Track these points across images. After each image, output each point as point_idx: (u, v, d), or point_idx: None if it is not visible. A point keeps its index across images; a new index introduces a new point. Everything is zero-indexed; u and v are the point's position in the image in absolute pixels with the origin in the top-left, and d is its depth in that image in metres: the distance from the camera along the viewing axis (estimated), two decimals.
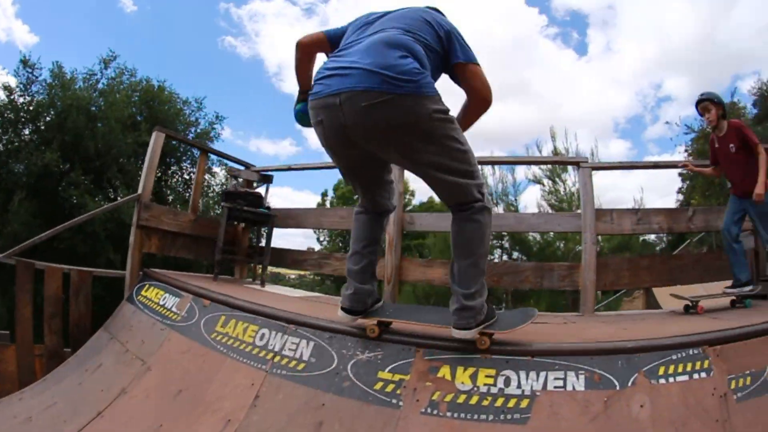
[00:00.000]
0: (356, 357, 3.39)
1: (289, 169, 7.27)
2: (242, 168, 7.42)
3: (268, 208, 6.87)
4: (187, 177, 22.33)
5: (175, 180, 22.37)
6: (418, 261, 6.60)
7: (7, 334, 5.84)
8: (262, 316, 4.05)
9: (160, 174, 20.90)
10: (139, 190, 5.96)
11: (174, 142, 20.34)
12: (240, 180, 7.27)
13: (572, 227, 6.20)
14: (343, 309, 3.44)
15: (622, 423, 2.70)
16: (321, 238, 39.41)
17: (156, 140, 6.17)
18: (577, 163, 5.95)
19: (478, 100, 3.24)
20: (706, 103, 5.48)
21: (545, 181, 16.20)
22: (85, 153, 18.56)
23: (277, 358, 3.66)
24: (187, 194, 21.11)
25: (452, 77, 3.25)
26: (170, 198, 21.58)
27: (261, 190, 7.24)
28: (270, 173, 7.48)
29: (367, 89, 2.72)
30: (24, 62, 19.16)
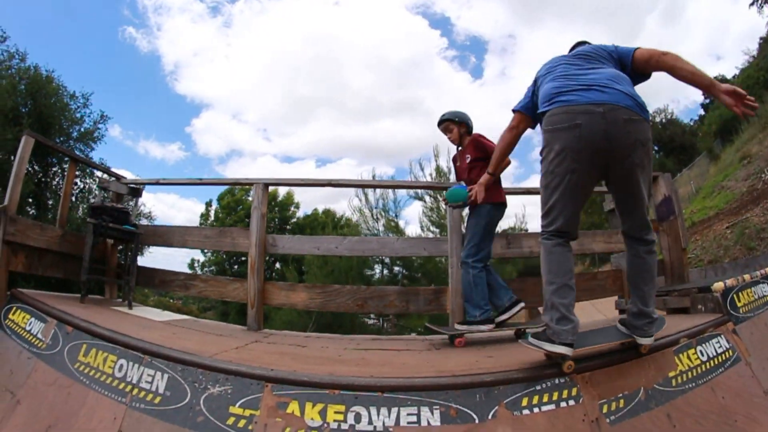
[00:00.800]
0: (208, 391, 3.32)
1: (158, 183, 6.99)
2: (112, 179, 7.12)
3: (135, 225, 6.60)
4: (47, 179, 20.54)
5: (56, 182, 20.28)
6: (280, 284, 6.53)
7: None
8: (120, 345, 3.87)
9: (40, 175, 19.48)
10: (6, 201, 5.45)
11: (58, 140, 19.04)
12: (109, 192, 6.97)
13: (438, 252, 6.31)
14: (567, 344, 3.24)
15: None
16: (205, 250, 38.89)
17: (25, 146, 5.66)
18: (445, 188, 5.88)
19: (671, 56, 3.67)
20: (446, 123, 5.58)
21: (426, 198, 17.07)
22: None
23: (135, 391, 3.52)
24: (49, 200, 19.88)
25: (636, 76, 3.83)
26: (50, 202, 19.86)
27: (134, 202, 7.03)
28: (139, 186, 7.24)
29: (627, 107, 3.27)
30: None
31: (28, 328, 4.61)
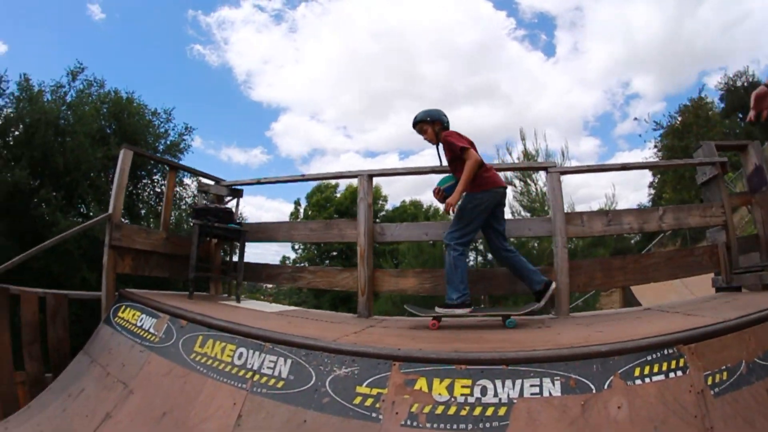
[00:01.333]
0: (333, 373, 3.43)
1: (258, 182, 7.20)
2: (211, 183, 7.38)
3: (240, 223, 6.84)
4: (159, 190, 21.98)
5: (146, 193, 22.03)
6: (390, 271, 6.56)
7: None
8: (239, 335, 4.05)
9: (131, 188, 20.62)
10: (110, 210, 5.88)
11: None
12: (209, 195, 7.24)
13: (543, 231, 6.18)
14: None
15: (601, 425, 2.73)
16: (296, 247, 39.62)
17: (124, 158, 6.06)
18: (545, 168, 5.95)
19: None
20: (420, 124, 5.51)
21: (516, 182, 16.18)
22: (55, 169, 18.09)
23: (257, 377, 3.66)
24: (160, 207, 20.55)
25: None
26: (142, 212, 21.39)
27: (232, 203, 7.21)
28: (240, 187, 7.47)
29: None
30: None
31: (139, 324, 4.89)
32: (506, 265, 5.42)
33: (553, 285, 5.07)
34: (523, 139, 16.35)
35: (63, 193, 18.39)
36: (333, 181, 34.36)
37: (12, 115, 18.60)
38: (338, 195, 40.02)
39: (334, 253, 39.35)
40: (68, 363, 5.20)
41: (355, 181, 6.41)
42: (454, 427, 2.88)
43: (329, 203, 39.47)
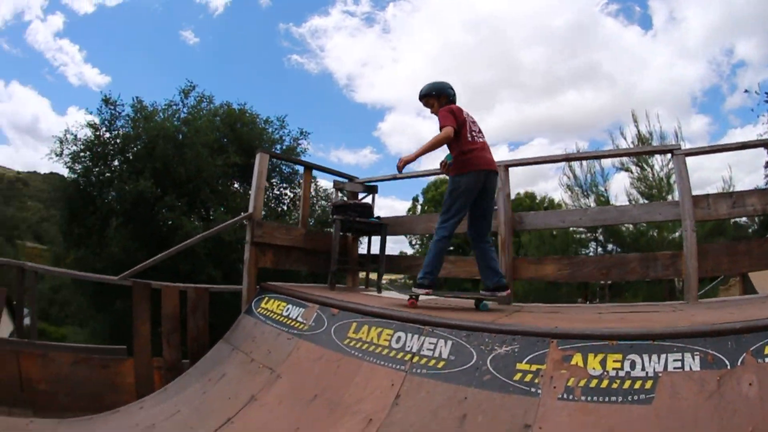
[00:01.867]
0: (495, 351, 3.52)
1: (394, 178, 7.33)
2: (346, 181, 7.58)
3: (378, 217, 7.04)
4: (278, 192, 23.38)
5: (266, 196, 22.78)
6: (529, 259, 6.63)
7: (123, 349, 6.38)
8: (397, 320, 4.20)
9: (251, 192, 21.52)
10: (250, 210, 6.22)
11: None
12: (344, 192, 7.45)
13: (671, 215, 6.05)
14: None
15: (734, 400, 2.74)
16: (413, 242, 40.32)
17: (261, 161, 6.41)
18: (669, 151, 5.90)
19: None
20: (426, 98, 5.46)
21: (633, 168, 15.72)
22: (177, 178, 19.52)
23: (416, 359, 3.79)
24: (279, 209, 22.67)
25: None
26: (263, 213, 22.18)
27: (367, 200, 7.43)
28: (374, 184, 7.65)
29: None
30: (105, 101, 20.53)
31: (285, 314, 5.17)
32: (476, 250, 5.26)
33: (508, 292, 5.08)
34: (635, 121, 15.93)
35: (186, 199, 19.70)
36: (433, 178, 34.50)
37: (130, 133, 20.37)
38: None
39: (451, 248, 39.73)
40: (206, 351, 5.56)
41: None
42: (606, 399, 2.93)
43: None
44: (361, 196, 7.38)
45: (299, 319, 4.96)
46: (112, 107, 20.72)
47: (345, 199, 7.23)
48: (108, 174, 20.32)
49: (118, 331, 18.66)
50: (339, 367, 4.14)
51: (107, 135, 20.75)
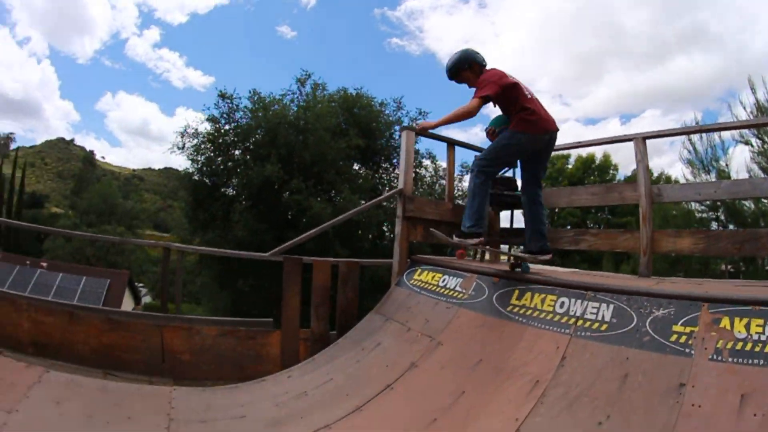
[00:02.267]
0: (653, 314, 3.74)
1: None
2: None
3: None
4: (395, 174, 24.14)
5: (389, 176, 24.53)
6: (668, 232, 6.71)
7: (270, 321, 6.89)
8: (560, 286, 4.43)
9: (372, 173, 23.30)
10: (400, 185, 6.53)
11: (381, 142, 23.04)
12: None
13: None
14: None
15: None
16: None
17: (407, 138, 6.64)
18: None
19: None
20: (459, 74, 5.28)
21: (753, 140, 15.16)
22: (301, 162, 20.67)
23: (580, 322, 4.02)
24: (385, 189, 23.26)
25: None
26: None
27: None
28: None
29: None
30: (222, 95, 22.49)
31: (442, 284, 5.48)
32: (527, 212, 5.18)
33: (550, 256, 5.01)
34: (752, 88, 15.35)
35: (312, 182, 20.64)
36: (565, 152, 34.05)
37: (250, 124, 21.95)
38: (569, 166, 39.78)
39: (569, 226, 39.42)
40: (355, 323, 5.96)
41: (583, 152, 6.63)
42: (750, 362, 3.09)
43: (561, 175, 39.19)
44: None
45: (458, 288, 5.23)
46: (229, 101, 22.45)
47: None
48: (230, 163, 21.90)
49: (239, 307, 19.99)
50: (503, 332, 4.41)
51: (227, 127, 22.46)
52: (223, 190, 22.51)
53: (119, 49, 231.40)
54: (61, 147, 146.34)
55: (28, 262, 33.56)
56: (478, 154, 7.36)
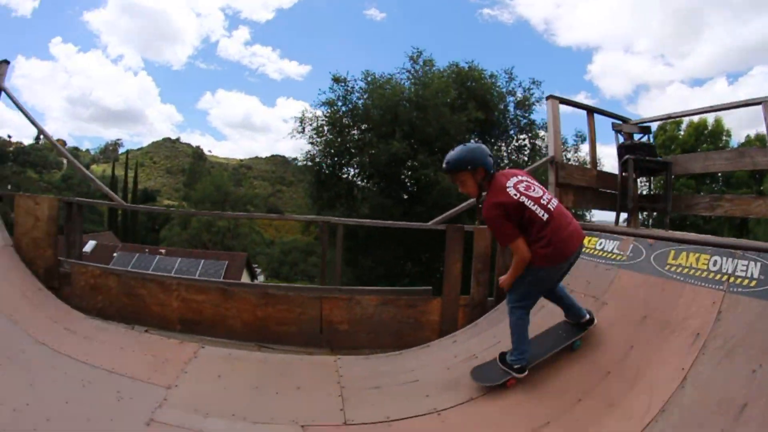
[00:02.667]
0: None
1: (669, 118, 7.62)
2: (621, 123, 7.99)
3: (661, 156, 7.33)
4: (517, 144, 25.08)
5: (508, 149, 25.06)
6: None
7: (429, 290, 7.23)
8: (712, 245, 4.78)
9: (490, 146, 23.27)
10: (551, 153, 6.86)
11: (497, 114, 23.43)
12: (621, 134, 7.84)
13: None
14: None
15: None
16: None
17: (552, 107, 7.02)
18: None
19: None
20: (455, 174, 4.52)
21: None
22: (425, 138, 21.26)
23: (732, 279, 4.37)
24: (521, 160, 24.05)
25: None
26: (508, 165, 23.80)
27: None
28: (647, 124, 8.04)
29: None
30: (335, 79, 23.57)
31: (599, 247, 5.89)
32: (554, 298, 4.89)
33: (595, 323, 4.86)
34: None
35: (439, 156, 20.92)
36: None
37: (367, 104, 22.82)
38: (681, 133, 38.49)
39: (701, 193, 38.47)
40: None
41: (695, 117, 6.59)
42: None
43: (673, 143, 38.00)
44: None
45: (615, 251, 5.60)
46: (343, 83, 23.39)
47: (624, 141, 7.65)
48: (350, 143, 22.91)
49: (362, 284, 20.56)
50: (663, 290, 4.77)
51: (344, 109, 23.47)
52: (344, 169, 23.75)
53: (211, 52, 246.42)
54: (168, 146, 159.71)
55: (147, 250, 36.10)
56: (615, 120, 7.47)
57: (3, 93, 7.72)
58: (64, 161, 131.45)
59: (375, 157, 20.93)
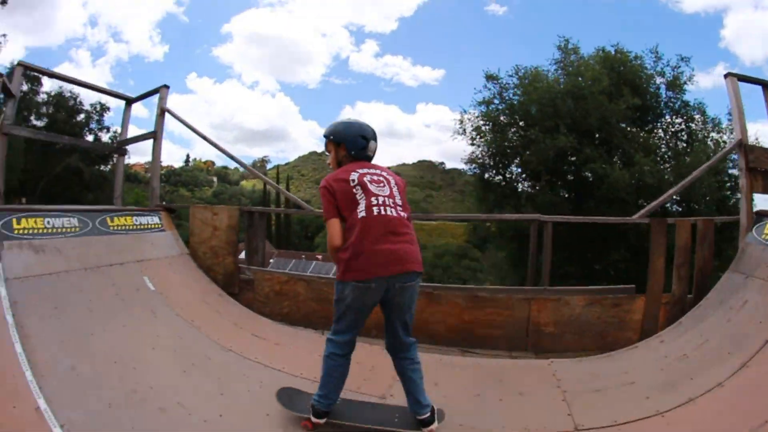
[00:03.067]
0: None
1: None
2: None
3: None
4: (673, 129, 23.69)
5: (663, 135, 23.91)
6: None
7: (632, 288, 7.07)
8: None
9: (648, 133, 22.56)
10: (738, 136, 6.66)
11: (649, 98, 22.29)
12: None
13: None
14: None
15: None
16: None
17: (732, 86, 6.73)
18: None
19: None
20: (326, 141, 4.24)
21: None
22: (587, 130, 21.10)
23: None
24: (679, 146, 22.99)
25: None
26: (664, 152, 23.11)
27: None
28: None
29: None
30: (489, 77, 23.84)
31: None
32: (398, 370, 4.04)
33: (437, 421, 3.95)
34: None
35: (605, 148, 21.15)
36: None
37: (522, 99, 22.83)
38: None
39: None
40: (707, 282, 6.33)
41: None
42: None
43: None
44: None
45: None
46: (495, 81, 23.53)
47: None
48: (508, 143, 23.01)
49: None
50: None
51: (501, 107, 23.53)
52: (509, 168, 23.75)
53: (343, 68, 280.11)
54: (314, 159, 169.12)
55: (303, 256, 37.16)
56: None
57: (167, 114, 8.50)
58: (215, 179, 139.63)
59: (542, 153, 20.69)
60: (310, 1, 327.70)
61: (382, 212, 3.75)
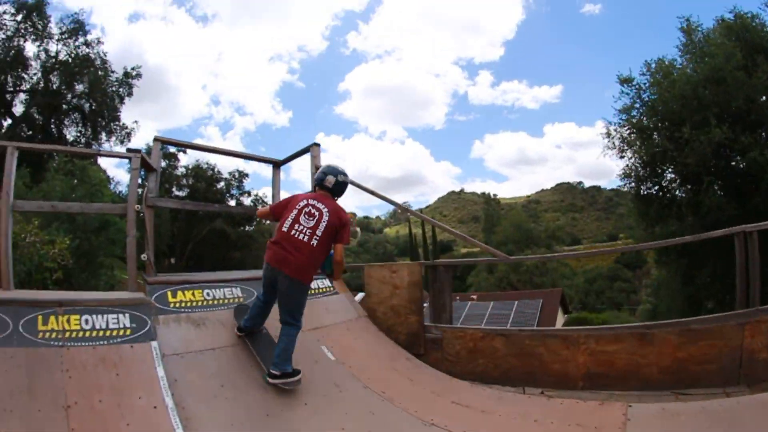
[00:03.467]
0: None
1: None
2: None
3: None
4: None
5: None
6: None
7: None
8: None
9: None
10: None
11: None
12: None
13: None
14: None
15: None
16: None
17: None
18: None
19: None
20: None
21: None
22: (736, 115, 18.57)
23: None
24: None
25: None
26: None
27: None
28: None
29: None
30: (623, 80, 22.08)
31: None
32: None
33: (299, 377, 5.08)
34: None
35: (760, 131, 18.76)
36: None
37: (661, 97, 20.85)
38: None
39: None
40: None
41: None
42: None
43: None
44: None
45: None
46: (628, 84, 21.93)
47: None
48: (657, 147, 20.76)
49: (694, 303, 19.70)
50: None
51: (642, 110, 21.86)
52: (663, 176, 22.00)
53: (464, 103, 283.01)
54: (453, 198, 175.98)
55: (458, 297, 37.12)
56: None
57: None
58: (358, 230, 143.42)
59: (698, 152, 18.52)
60: (412, 47, 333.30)
61: (293, 234, 5.14)
